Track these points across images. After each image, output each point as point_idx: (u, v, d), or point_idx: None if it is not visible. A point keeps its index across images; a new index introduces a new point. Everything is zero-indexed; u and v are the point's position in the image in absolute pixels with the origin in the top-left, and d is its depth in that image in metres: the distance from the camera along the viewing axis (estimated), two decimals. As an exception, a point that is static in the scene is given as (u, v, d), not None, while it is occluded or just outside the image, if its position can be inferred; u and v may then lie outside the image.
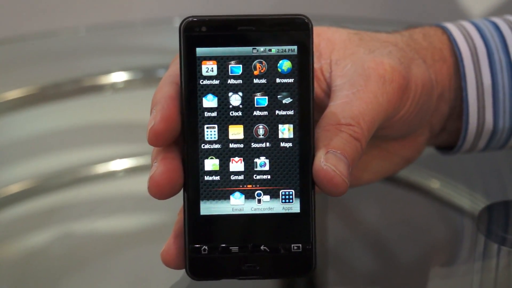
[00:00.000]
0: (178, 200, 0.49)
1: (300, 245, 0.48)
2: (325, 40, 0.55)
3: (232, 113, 0.48)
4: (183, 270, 0.49)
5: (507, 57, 0.59)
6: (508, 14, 0.62)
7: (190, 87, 0.48)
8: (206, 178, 0.48)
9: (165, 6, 1.11)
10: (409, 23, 0.62)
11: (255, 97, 0.48)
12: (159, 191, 0.48)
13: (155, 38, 0.96)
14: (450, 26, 0.60)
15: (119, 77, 0.86)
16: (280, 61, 0.48)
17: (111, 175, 0.73)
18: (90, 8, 1.10)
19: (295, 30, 0.48)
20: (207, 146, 0.48)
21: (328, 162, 0.47)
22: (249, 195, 0.48)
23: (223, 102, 0.48)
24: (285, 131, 0.48)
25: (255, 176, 0.48)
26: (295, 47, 0.48)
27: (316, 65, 0.54)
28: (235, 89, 0.48)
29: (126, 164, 0.74)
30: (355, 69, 0.52)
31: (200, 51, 0.48)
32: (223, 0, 1.11)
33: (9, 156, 0.75)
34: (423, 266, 0.60)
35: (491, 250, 0.59)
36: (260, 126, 0.48)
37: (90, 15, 1.10)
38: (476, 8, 1.06)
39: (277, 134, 0.48)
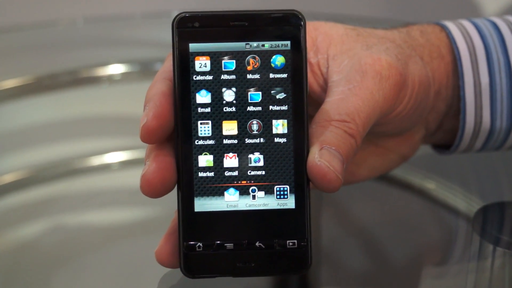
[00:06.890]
0: (173, 194, 0.49)
1: (296, 241, 0.48)
2: (323, 34, 0.54)
3: (225, 109, 0.48)
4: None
5: (506, 57, 0.58)
6: (508, 15, 0.62)
7: (184, 83, 0.48)
8: (200, 174, 0.48)
9: (164, -1, 1.11)
10: (407, 22, 0.62)
11: (249, 93, 0.48)
12: (151, 190, 0.48)
13: (153, 31, 0.96)
14: (449, 24, 0.60)
15: (116, 69, 0.86)
16: (273, 56, 0.48)
17: (106, 167, 0.73)
18: (89, -1, 1.10)
19: (288, 25, 0.48)
20: (200, 142, 0.48)
21: (322, 158, 0.47)
22: (243, 191, 0.48)
23: (217, 97, 0.48)
24: (279, 126, 0.48)
25: (250, 172, 0.48)
26: (288, 42, 0.48)
27: (313, 60, 0.54)
28: (228, 84, 0.48)
29: (121, 157, 0.74)
30: (352, 65, 0.52)
31: (193, 46, 0.48)
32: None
33: (3, 146, 0.75)
34: (417, 266, 0.60)
35: (486, 251, 0.59)
36: (254, 122, 0.48)
37: (89, 7, 1.10)
38: (481, 9, 1.06)
39: (271, 129, 0.48)
